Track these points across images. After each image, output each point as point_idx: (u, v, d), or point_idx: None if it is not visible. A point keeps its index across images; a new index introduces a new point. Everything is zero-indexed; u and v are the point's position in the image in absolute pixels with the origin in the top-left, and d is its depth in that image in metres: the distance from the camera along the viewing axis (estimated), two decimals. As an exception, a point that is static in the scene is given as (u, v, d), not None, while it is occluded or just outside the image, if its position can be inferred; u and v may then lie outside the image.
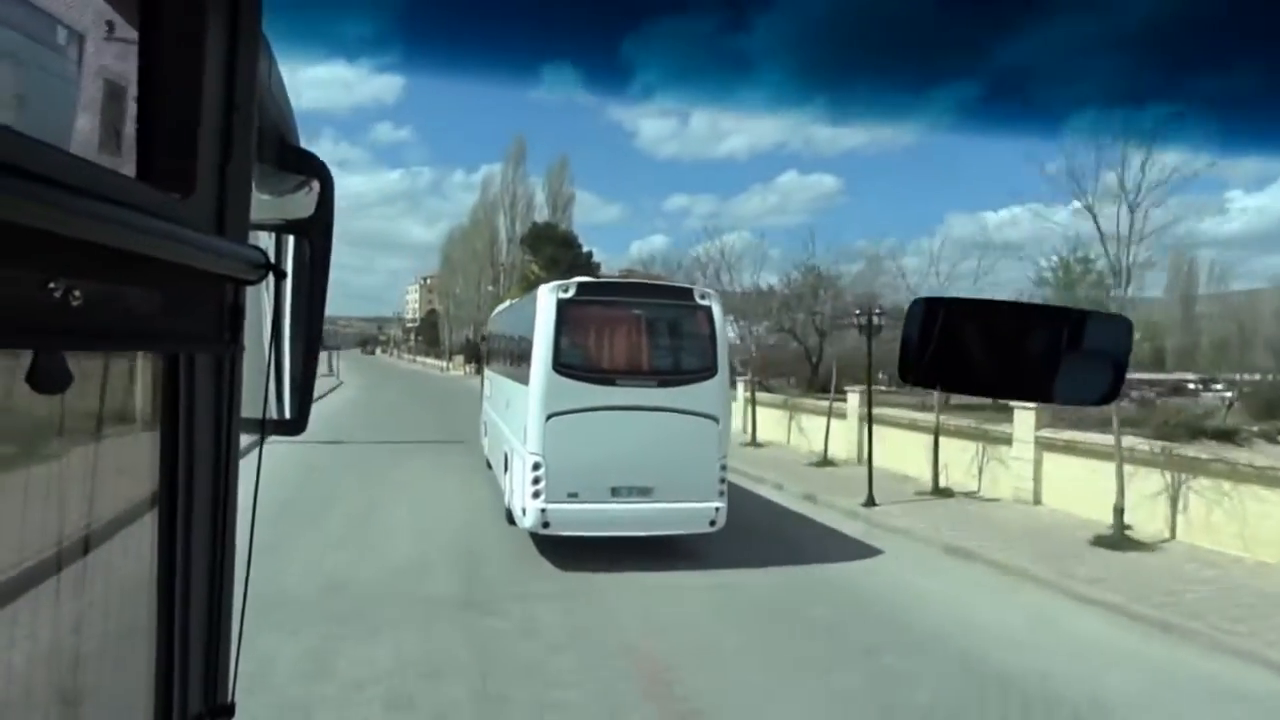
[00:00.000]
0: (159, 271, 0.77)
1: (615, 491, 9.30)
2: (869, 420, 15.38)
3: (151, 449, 0.92)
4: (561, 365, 9.35)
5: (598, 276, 45.86)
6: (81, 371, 0.75)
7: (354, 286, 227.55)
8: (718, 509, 9.59)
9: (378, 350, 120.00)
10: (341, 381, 46.69)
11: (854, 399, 18.85)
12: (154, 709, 0.96)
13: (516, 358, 11.18)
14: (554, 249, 53.33)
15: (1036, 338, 1.43)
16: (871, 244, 22.66)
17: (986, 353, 1.44)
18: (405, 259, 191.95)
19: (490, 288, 60.48)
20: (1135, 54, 1.37)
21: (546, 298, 9.57)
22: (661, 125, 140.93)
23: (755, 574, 9.49)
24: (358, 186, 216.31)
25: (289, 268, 1.12)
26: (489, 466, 14.38)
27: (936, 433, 15.32)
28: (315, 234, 1.12)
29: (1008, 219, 18.36)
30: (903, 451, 16.48)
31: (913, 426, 16.87)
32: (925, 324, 1.40)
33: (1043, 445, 14.22)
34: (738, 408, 22.93)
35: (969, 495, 14.97)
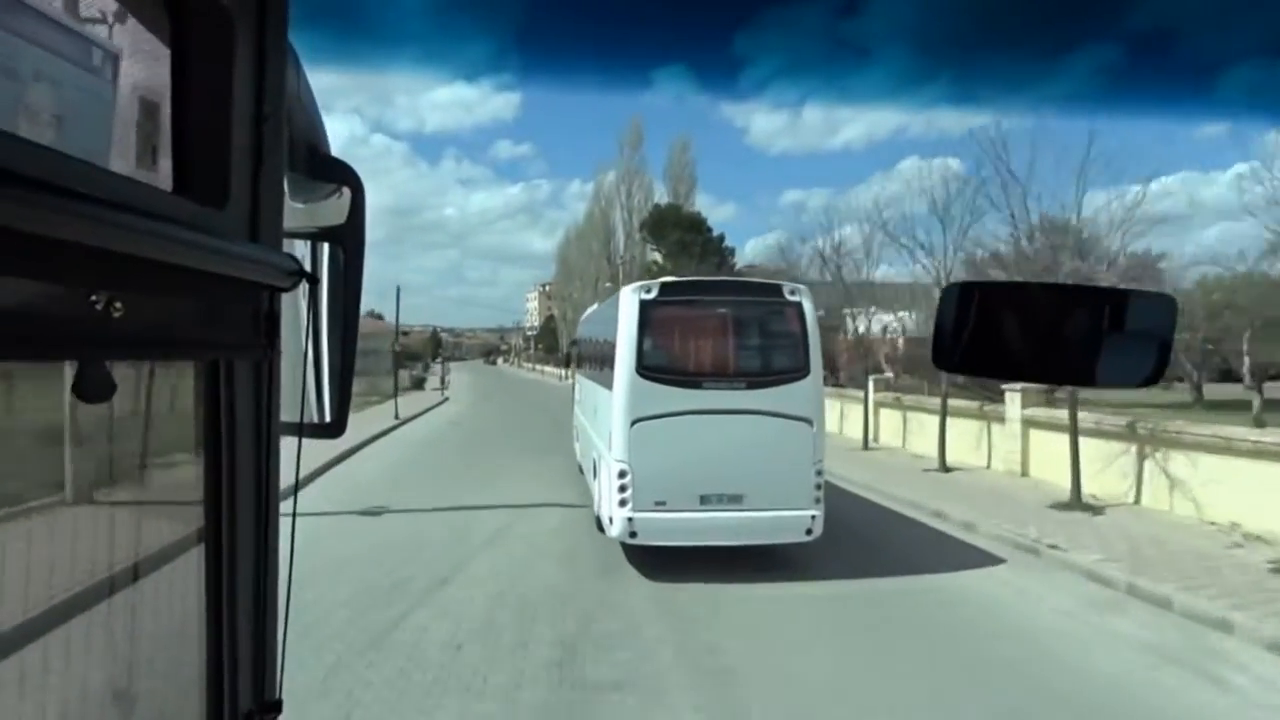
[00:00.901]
0: (196, 281, 0.82)
1: (704, 499, 9.07)
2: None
3: (195, 453, 0.97)
4: (645, 368, 9.19)
5: (730, 267, 43.73)
6: (126, 379, 0.82)
7: (480, 298, 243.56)
8: (814, 517, 9.18)
9: (499, 360, 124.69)
10: (447, 398, 42.94)
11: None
12: (206, 706, 1.01)
13: (601, 362, 11.15)
14: (680, 234, 47.96)
15: (1076, 319, 1.44)
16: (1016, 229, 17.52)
17: (1025, 336, 1.45)
18: (527, 269, 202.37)
19: (608, 285, 58.52)
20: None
21: (628, 299, 9.42)
22: (774, 120, 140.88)
23: None
24: (481, 203, 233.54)
25: (324, 274, 1.17)
26: (581, 472, 14.16)
27: None
28: (348, 240, 1.17)
29: (1158, 191, 14.90)
30: None
31: None
32: (960, 309, 1.42)
33: None
34: (1008, 436, 16.08)
35: None
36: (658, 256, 49.88)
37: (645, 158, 56.59)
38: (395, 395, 31.49)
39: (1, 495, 0.87)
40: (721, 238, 50.05)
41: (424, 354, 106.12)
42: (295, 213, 1.13)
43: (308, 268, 1.08)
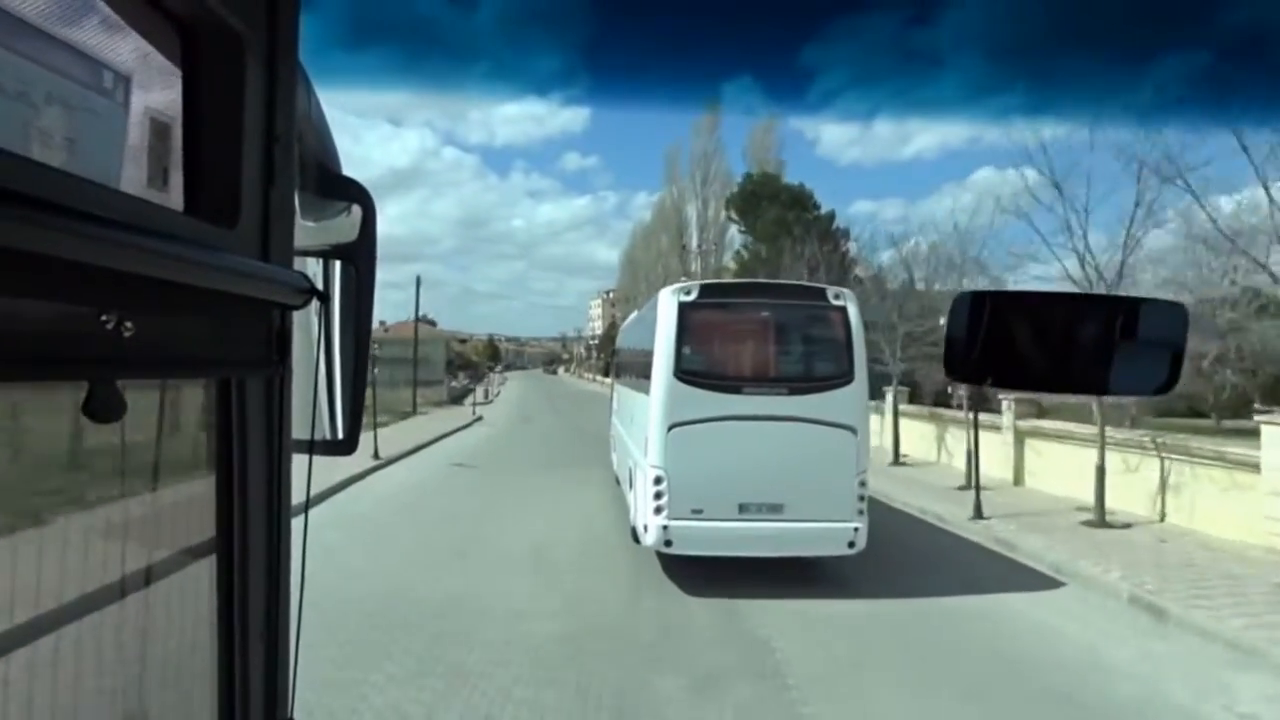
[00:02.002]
0: (207, 300, 0.85)
1: (743, 508, 9.05)
2: None
3: (206, 471, 1.01)
4: (684, 373, 9.24)
5: (843, 256, 32.03)
6: (138, 397, 0.86)
7: (546, 309, 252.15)
8: (856, 529, 9.10)
9: (560, 369, 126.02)
10: (480, 417, 34.13)
11: None
12: None
13: (640, 367, 11.20)
14: (778, 211, 39.05)
15: (1088, 328, 1.49)
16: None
17: (1036, 345, 1.50)
18: (593, 280, 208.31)
19: (684, 279, 50.92)
20: None
21: (667, 300, 9.54)
22: (844, 130, 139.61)
23: None
24: (549, 214, 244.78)
25: (336, 292, 1.21)
26: (617, 483, 13.84)
27: None
28: (359, 257, 1.23)
29: (1249, 202, 12.46)
30: None
31: None
32: (972, 318, 1.46)
33: None
34: None
35: None
36: (750, 242, 41.23)
37: (722, 142, 48.30)
38: (375, 426, 20.04)
39: (14, 513, 0.90)
40: (831, 216, 39.27)
41: (480, 363, 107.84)
42: (307, 231, 1.17)
43: (319, 285, 1.12)
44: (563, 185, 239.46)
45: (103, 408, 0.75)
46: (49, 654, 0.91)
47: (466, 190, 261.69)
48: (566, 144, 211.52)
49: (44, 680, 0.92)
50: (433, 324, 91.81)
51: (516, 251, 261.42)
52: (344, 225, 1.23)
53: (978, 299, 1.49)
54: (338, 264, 1.23)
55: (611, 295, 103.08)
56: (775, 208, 39.41)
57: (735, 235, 46.35)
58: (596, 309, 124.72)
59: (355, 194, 1.23)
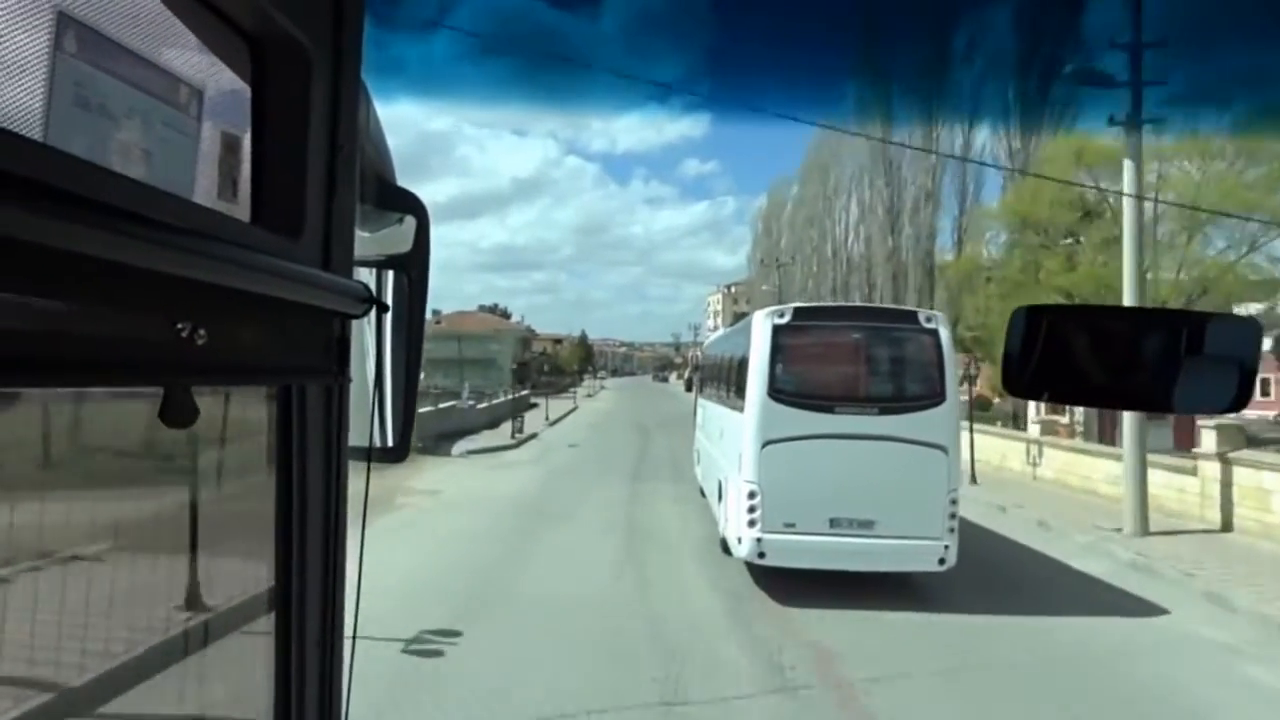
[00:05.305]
0: (273, 308, 0.97)
1: (834, 523, 10.45)
2: None
3: (267, 476, 1.14)
4: (777, 392, 10.71)
5: None
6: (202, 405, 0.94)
7: (661, 315, 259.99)
8: (947, 547, 10.35)
9: (671, 376, 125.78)
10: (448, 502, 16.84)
11: None
12: None
13: (731, 386, 12.79)
14: None
15: (1151, 343, 1.63)
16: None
17: (1096, 361, 1.64)
18: (710, 285, 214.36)
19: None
20: None
21: (762, 323, 11.00)
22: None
23: None
24: (667, 220, 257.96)
25: (389, 301, 1.36)
26: (703, 495, 15.77)
27: None
28: (413, 268, 1.39)
29: None
30: None
31: None
32: (1028, 334, 1.60)
33: None
34: None
35: None
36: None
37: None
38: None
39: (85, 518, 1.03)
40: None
41: (568, 366, 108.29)
42: (362, 241, 1.31)
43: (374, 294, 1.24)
44: (680, 191, 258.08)
45: (177, 414, 0.86)
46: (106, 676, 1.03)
47: (587, 198, 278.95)
48: (686, 150, 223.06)
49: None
50: (506, 316, 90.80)
51: (634, 258, 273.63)
52: (398, 235, 1.39)
53: (1034, 314, 1.62)
54: (390, 274, 1.38)
55: (733, 290, 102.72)
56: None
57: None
58: (716, 303, 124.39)
59: (410, 205, 1.38)
